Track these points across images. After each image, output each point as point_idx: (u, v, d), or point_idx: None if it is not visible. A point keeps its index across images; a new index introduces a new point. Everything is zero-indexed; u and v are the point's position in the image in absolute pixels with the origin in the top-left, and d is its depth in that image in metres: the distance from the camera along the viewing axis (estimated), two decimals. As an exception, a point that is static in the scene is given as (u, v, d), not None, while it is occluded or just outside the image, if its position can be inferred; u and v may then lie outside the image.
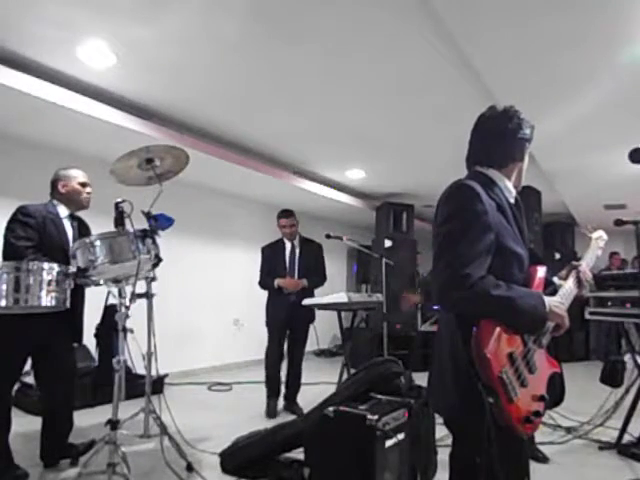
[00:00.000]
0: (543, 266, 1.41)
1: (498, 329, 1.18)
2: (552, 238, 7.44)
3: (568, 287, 1.44)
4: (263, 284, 4.12)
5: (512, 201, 1.40)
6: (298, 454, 2.45)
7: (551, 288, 1.45)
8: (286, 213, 4.17)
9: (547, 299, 1.27)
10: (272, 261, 4.14)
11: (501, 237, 1.26)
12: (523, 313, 1.21)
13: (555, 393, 1.35)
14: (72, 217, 2.71)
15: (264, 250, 4.26)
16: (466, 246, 1.20)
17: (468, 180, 1.33)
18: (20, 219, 2.49)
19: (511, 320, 1.22)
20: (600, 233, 1.78)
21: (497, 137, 1.42)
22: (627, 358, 3.47)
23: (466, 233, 1.21)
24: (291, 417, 3.43)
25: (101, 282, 2.36)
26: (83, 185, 2.73)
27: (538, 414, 1.21)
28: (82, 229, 2.76)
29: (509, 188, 1.40)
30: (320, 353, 7.33)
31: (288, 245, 4.21)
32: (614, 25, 2.58)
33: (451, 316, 1.27)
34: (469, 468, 1.25)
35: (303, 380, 4.07)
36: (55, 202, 2.67)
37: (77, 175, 2.73)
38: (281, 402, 4.00)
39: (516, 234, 1.34)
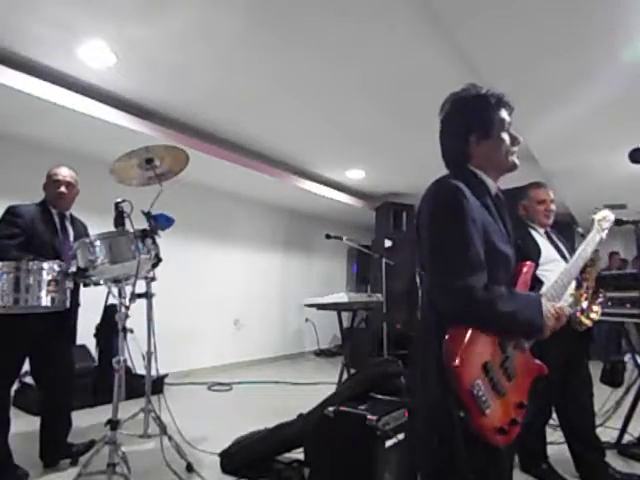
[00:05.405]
0: (532, 263, 1.34)
1: (470, 337, 1.10)
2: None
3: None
4: None
5: (493, 193, 1.31)
6: (298, 454, 2.45)
7: (537, 287, 1.37)
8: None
9: (544, 307, 1.20)
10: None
11: (488, 235, 1.19)
12: (521, 326, 1.18)
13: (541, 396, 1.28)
14: (63, 215, 2.71)
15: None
16: (461, 253, 1.13)
17: (450, 178, 1.25)
18: (8, 219, 2.52)
19: (508, 333, 1.19)
20: (605, 213, 1.63)
21: (446, 133, 1.39)
22: (627, 358, 3.47)
23: (459, 237, 1.14)
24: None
25: (101, 282, 2.35)
26: (56, 182, 2.65)
27: (515, 423, 1.15)
28: (76, 227, 2.75)
29: (489, 181, 1.31)
30: (320, 353, 7.34)
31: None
32: (614, 25, 2.59)
33: (433, 317, 1.20)
34: (441, 471, 1.19)
35: (303, 380, 4.06)
36: (46, 201, 2.69)
37: (52, 173, 2.67)
38: None
39: (501, 230, 1.26)
